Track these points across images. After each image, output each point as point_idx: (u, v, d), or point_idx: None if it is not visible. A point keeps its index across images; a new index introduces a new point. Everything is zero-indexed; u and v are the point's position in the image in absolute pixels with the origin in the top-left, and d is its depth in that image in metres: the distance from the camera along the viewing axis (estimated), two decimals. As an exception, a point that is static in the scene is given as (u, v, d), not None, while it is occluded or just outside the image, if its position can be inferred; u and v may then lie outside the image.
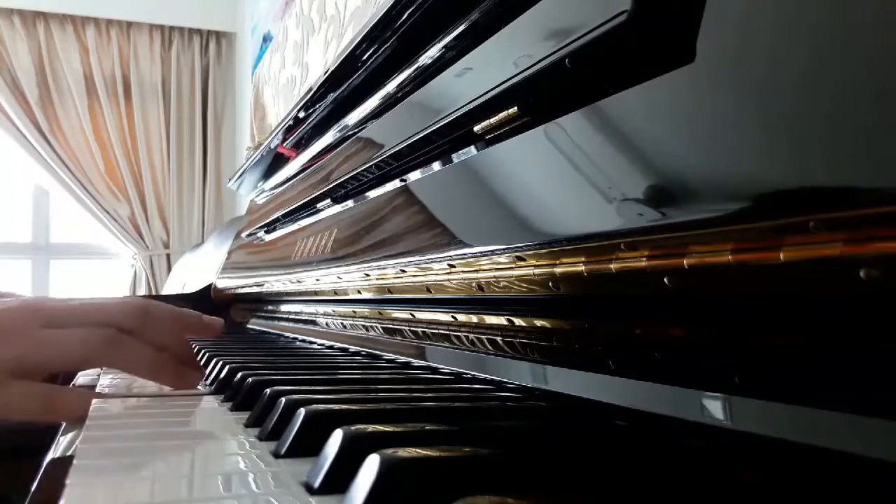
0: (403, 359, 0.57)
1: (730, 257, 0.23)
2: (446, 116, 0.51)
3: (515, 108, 0.42)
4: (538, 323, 0.40)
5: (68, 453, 0.34)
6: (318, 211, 0.90)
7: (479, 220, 0.43)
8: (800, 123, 0.22)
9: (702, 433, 0.26)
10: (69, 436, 0.42)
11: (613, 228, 0.29)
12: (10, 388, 0.44)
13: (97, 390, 0.56)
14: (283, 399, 0.36)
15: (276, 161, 1.24)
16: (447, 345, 0.51)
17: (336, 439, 0.27)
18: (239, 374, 0.50)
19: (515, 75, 0.41)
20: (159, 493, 0.27)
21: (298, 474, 0.27)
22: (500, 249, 0.38)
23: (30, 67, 3.21)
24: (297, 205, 0.97)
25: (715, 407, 0.26)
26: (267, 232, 1.21)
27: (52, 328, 0.47)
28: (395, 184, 0.62)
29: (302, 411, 0.32)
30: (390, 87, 0.67)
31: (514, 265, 0.37)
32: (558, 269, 0.33)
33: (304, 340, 0.86)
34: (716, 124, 0.26)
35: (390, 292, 0.57)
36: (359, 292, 0.65)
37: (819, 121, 0.21)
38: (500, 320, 0.44)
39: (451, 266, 0.44)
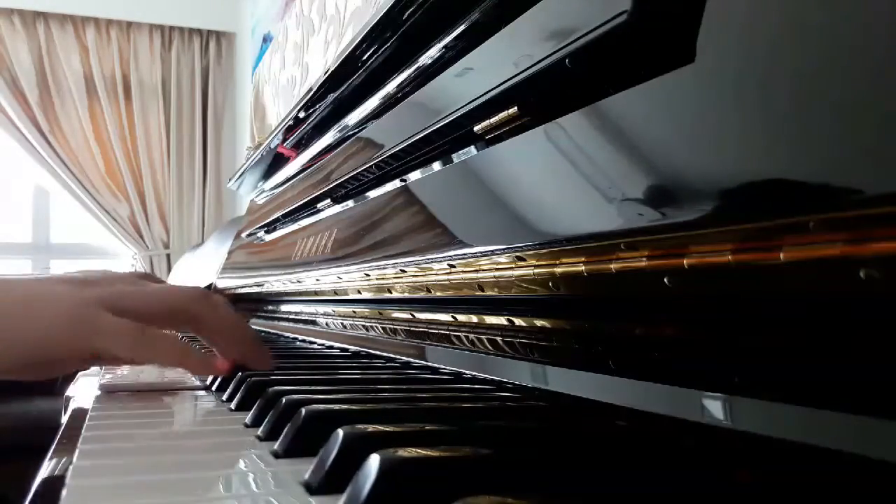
0: (403, 359, 0.57)
1: (730, 257, 0.23)
2: (446, 116, 0.51)
3: (515, 108, 0.42)
4: (538, 323, 0.40)
5: (65, 456, 0.34)
6: (318, 211, 0.90)
7: (479, 220, 0.43)
8: (800, 123, 0.22)
9: (702, 433, 0.26)
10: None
11: (613, 228, 0.29)
12: (104, 317, 0.47)
13: (101, 383, 0.56)
14: (284, 399, 0.36)
15: (276, 161, 1.24)
16: (447, 345, 0.51)
17: (336, 439, 0.27)
18: (239, 374, 0.50)
19: (515, 75, 0.41)
20: (159, 492, 0.27)
21: (298, 474, 0.27)
22: (500, 249, 0.38)
23: (30, 67, 3.22)
24: (297, 205, 0.97)
25: (715, 407, 0.26)
26: (267, 232, 1.21)
27: None
28: (395, 184, 0.62)
29: (302, 411, 0.32)
30: (390, 87, 0.67)
31: (514, 265, 0.37)
32: (558, 270, 0.33)
33: (304, 340, 0.86)
34: (716, 124, 0.26)
35: (390, 292, 0.57)
36: (359, 292, 0.65)
37: (819, 120, 0.21)
38: (500, 320, 0.44)
39: (451, 266, 0.44)
